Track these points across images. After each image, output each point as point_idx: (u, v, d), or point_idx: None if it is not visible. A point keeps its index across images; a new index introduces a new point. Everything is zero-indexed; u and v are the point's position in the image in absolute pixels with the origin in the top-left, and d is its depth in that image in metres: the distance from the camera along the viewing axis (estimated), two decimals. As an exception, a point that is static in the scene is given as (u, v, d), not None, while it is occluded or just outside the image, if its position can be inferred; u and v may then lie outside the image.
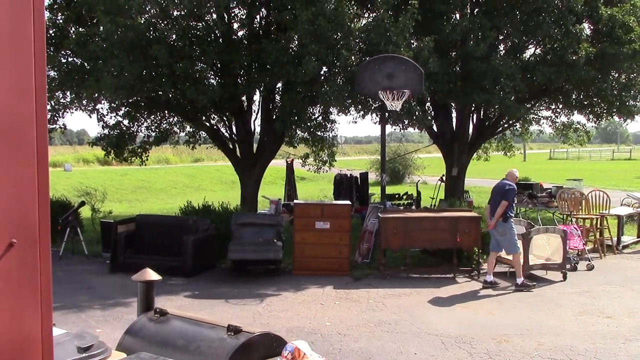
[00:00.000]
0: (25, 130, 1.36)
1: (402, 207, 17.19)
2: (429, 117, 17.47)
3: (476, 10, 15.07)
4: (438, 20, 13.81)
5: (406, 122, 14.26)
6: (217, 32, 13.14)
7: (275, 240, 10.62)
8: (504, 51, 16.02)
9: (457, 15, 15.13)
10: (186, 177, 32.62)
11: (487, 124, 17.96)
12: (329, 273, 10.58)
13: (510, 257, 10.13)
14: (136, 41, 11.73)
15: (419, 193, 18.00)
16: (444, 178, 18.12)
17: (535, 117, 19.56)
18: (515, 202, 10.34)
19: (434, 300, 9.15)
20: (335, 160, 17.33)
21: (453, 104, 16.88)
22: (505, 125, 18.37)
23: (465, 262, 10.98)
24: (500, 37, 15.48)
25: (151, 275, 3.69)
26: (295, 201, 12.20)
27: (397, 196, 18.09)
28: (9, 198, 1.35)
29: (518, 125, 19.65)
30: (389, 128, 14.58)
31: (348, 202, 11.52)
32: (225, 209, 12.10)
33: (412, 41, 12.45)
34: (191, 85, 11.83)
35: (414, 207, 17.53)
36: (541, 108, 18.86)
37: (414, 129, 16.24)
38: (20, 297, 1.42)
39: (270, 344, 3.17)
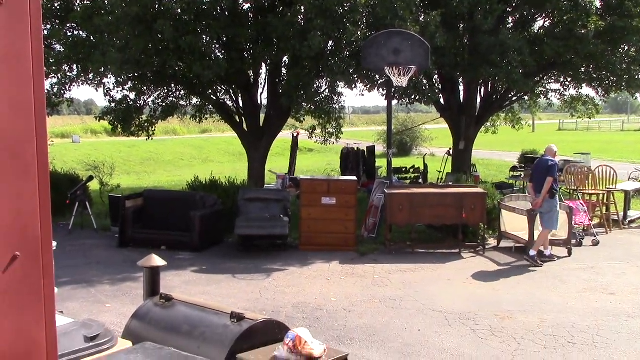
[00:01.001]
0: (26, 147, 1.39)
1: (408, 182, 17.25)
2: (436, 91, 17.40)
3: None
4: (446, -7, 13.67)
5: (413, 96, 14.19)
6: (222, 5, 13.08)
7: (281, 216, 10.69)
8: (512, 24, 15.85)
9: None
10: (194, 148, 32.70)
11: (495, 97, 17.86)
12: (335, 248, 10.66)
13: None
14: (141, 15, 11.68)
15: (425, 166, 17.99)
16: (451, 151, 18.10)
17: (544, 90, 19.40)
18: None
19: (438, 275, 9.24)
20: (342, 133, 17.30)
21: (460, 78, 16.77)
22: (514, 99, 18.27)
23: (471, 237, 11.05)
24: (509, 10, 15.31)
25: (156, 261, 3.76)
26: (301, 176, 12.24)
27: (404, 170, 18.10)
28: (10, 212, 1.39)
29: (526, 98, 19.52)
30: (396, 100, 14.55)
31: (354, 177, 11.57)
32: (232, 184, 12.17)
33: (419, 15, 12.31)
34: (197, 60, 11.80)
35: (421, 181, 17.56)
36: (549, 81, 18.72)
37: (421, 104, 16.16)
38: (24, 308, 1.47)
39: (273, 330, 3.24)
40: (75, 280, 8.76)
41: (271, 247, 10.88)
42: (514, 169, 17.71)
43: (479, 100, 17.98)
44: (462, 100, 17.63)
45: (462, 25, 15.09)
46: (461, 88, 17.82)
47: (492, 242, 11.29)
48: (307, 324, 7.02)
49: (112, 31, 12.13)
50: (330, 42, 12.25)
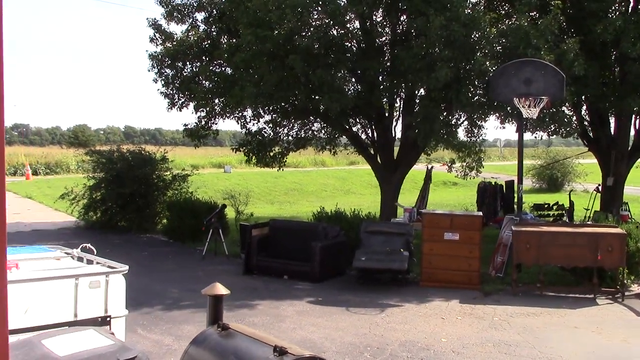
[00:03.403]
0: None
1: (551, 219, 16.25)
2: (585, 123, 16.34)
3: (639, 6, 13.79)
4: (590, 20, 12.87)
5: (552, 128, 13.42)
6: (357, 38, 13.31)
7: (401, 250, 10.49)
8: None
9: (617, 14, 13.98)
10: (337, 180, 33.20)
11: (653, 129, 16.38)
12: (458, 286, 10.26)
13: None
14: (275, 51, 12.17)
15: (571, 203, 16.86)
16: (599, 187, 16.83)
17: None
18: None
19: (565, 322, 8.54)
20: (483, 166, 16.70)
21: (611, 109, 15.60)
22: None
23: (609, 282, 10.14)
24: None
25: (220, 289, 3.81)
26: (423, 210, 11.96)
27: (546, 206, 17.08)
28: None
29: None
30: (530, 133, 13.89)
31: (479, 213, 11.11)
32: (357, 216, 12.16)
33: (556, 43, 11.66)
34: (325, 93, 12.03)
35: (565, 219, 16.49)
36: None
37: (561, 136, 15.23)
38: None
39: (316, 368, 3.14)
40: (196, 304, 9.14)
41: (391, 282, 10.69)
42: (673, 208, 16.08)
43: (632, 132, 16.59)
44: (612, 133, 16.35)
45: (615, 53, 14.09)
46: (613, 119, 16.57)
47: (635, 288, 10.29)
48: (410, 364, 6.78)
49: (249, 67, 12.73)
50: (460, 73, 11.95)
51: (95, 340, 2.90)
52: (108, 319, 4.10)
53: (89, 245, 4.78)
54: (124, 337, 4.20)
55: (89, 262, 4.53)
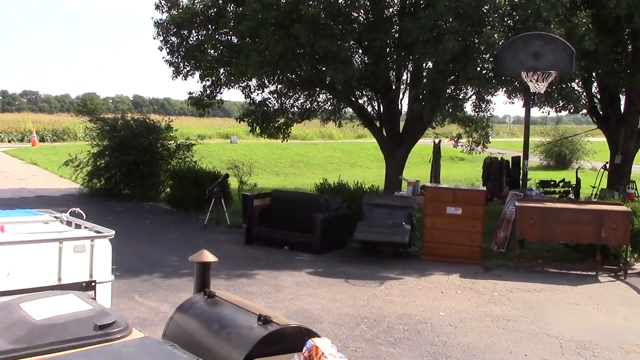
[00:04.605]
0: None
1: (557, 196, 16.13)
2: (594, 100, 16.10)
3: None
4: (603, -7, 12.58)
5: (561, 104, 13.22)
6: (365, 8, 13.05)
7: (403, 223, 10.40)
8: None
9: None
10: (344, 153, 33.05)
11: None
12: (459, 261, 10.20)
13: None
14: (280, 20, 11.97)
15: (578, 181, 16.71)
16: (607, 165, 16.65)
17: None
18: None
19: (565, 298, 8.47)
20: (489, 142, 16.52)
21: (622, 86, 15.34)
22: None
23: (612, 260, 10.05)
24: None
25: (208, 256, 3.75)
26: (426, 184, 11.85)
27: (552, 183, 16.94)
28: None
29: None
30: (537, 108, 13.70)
31: (483, 188, 10.99)
32: (360, 188, 12.08)
33: (567, 16, 11.40)
34: (330, 64, 11.86)
35: (571, 196, 16.36)
36: None
37: (570, 112, 15.02)
38: None
39: (301, 337, 3.08)
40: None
41: (392, 255, 10.63)
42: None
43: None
44: (622, 110, 16.10)
45: (627, 30, 13.80)
46: (623, 97, 16.31)
47: (638, 266, 10.20)
48: (407, 337, 6.75)
49: (253, 35, 12.54)
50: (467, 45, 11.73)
51: (75, 304, 2.84)
52: (93, 284, 4.05)
53: (78, 209, 4.72)
54: (109, 302, 4.16)
55: (77, 226, 4.48)
